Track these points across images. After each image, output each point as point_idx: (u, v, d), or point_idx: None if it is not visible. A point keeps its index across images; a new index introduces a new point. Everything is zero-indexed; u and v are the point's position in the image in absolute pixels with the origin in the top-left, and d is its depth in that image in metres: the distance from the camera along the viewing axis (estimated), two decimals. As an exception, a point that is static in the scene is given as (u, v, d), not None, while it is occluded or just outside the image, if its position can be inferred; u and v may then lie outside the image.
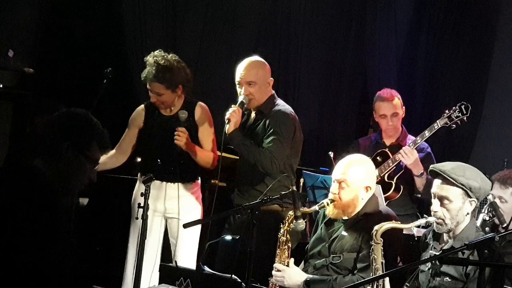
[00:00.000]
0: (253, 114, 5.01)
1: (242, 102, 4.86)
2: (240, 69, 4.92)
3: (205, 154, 4.99)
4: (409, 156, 5.13)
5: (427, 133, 5.16)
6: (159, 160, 4.89)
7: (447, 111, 5.15)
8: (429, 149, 5.40)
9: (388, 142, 5.51)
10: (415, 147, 5.18)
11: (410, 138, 5.42)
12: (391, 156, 5.31)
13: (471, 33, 6.99)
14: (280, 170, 4.81)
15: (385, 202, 5.24)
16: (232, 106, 4.85)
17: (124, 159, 5.13)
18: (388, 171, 5.31)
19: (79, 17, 6.86)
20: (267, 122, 4.87)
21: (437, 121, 5.15)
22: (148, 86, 4.96)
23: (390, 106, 5.43)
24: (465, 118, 5.09)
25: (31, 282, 2.95)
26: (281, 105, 4.97)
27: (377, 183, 5.25)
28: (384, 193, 5.23)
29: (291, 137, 4.88)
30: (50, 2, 6.83)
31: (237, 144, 4.86)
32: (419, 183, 5.21)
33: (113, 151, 4.98)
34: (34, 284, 2.95)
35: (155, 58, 4.92)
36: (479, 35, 6.97)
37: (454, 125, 5.13)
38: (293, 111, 4.99)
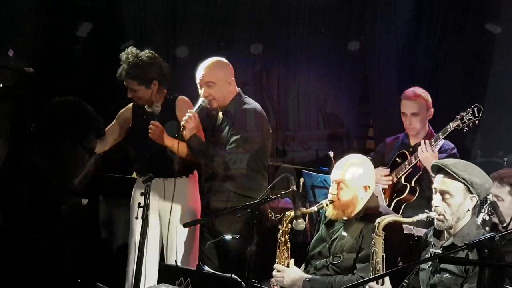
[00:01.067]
0: (220, 115, 4.96)
1: (200, 105, 4.81)
2: (200, 70, 4.87)
3: (185, 147, 4.89)
4: (423, 150, 5.02)
5: (440, 136, 5.06)
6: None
7: (461, 113, 5.04)
8: (454, 150, 5.24)
9: (413, 142, 5.39)
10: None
11: None
12: (408, 157, 5.24)
13: (471, 33, 6.97)
14: (252, 168, 4.80)
15: (403, 204, 5.20)
16: (189, 111, 4.79)
17: (104, 148, 5.10)
18: (404, 173, 5.24)
19: (79, 17, 6.86)
20: (233, 121, 4.83)
21: (450, 123, 5.01)
22: (124, 83, 4.96)
23: (411, 105, 5.30)
24: (477, 121, 4.96)
25: (31, 282, 2.94)
26: (248, 103, 4.92)
27: (393, 184, 5.25)
28: (399, 196, 5.20)
29: (260, 134, 4.84)
30: (50, 3, 6.82)
31: (195, 150, 4.82)
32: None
33: None
34: (34, 284, 2.95)
35: (126, 55, 4.91)
36: (479, 35, 6.96)
37: (466, 128, 4.99)
38: (260, 107, 4.93)
